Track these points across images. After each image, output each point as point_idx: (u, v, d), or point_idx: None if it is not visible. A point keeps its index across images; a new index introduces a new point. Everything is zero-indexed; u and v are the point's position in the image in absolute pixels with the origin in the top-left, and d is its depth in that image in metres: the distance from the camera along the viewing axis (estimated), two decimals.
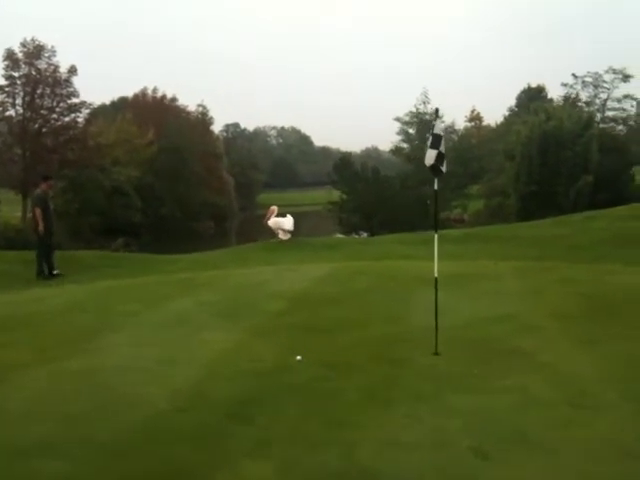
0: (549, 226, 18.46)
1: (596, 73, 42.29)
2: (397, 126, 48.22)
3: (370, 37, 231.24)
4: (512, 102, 72.58)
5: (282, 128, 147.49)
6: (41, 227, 13.07)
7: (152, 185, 47.09)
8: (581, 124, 30.19)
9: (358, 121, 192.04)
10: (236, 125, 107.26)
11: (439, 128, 6.19)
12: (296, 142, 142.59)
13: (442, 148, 6.16)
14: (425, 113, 39.91)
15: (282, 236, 17.39)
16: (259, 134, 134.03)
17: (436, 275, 6.84)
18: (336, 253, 16.33)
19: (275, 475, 3.92)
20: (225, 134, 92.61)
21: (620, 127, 40.50)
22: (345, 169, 36.53)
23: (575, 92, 42.17)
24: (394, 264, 13.25)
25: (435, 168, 6.21)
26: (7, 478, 3.92)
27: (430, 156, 6.13)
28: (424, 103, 40.35)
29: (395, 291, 10.14)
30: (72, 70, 38.41)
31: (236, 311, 8.81)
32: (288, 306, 9.12)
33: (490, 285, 10.52)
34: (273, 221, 17.30)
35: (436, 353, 6.40)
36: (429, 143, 6.21)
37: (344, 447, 4.24)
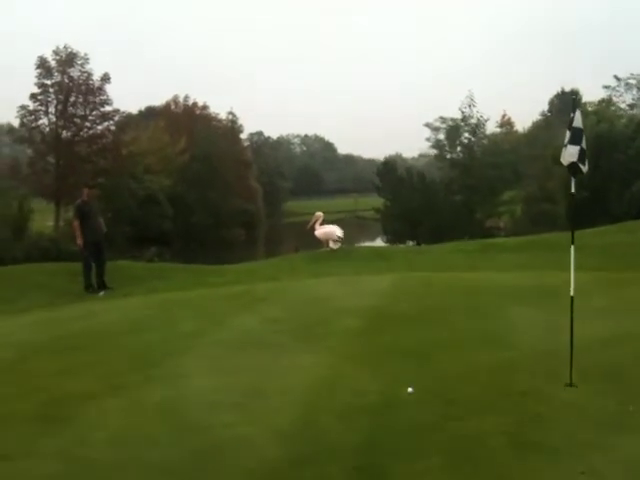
0: (614, 233, 17.39)
1: None
2: (425, 132, 47.08)
3: (394, 43, 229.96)
4: (542, 107, 71.17)
5: (306, 136, 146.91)
6: (79, 240, 12.29)
7: (183, 193, 46.55)
8: (632, 126, 29.03)
9: (380, 129, 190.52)
10: (260, 133, 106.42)
11: (579, 121, 5.28)
12: (320, 150, 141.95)
13: (584, 144, 5.25)
14: (471, 116, 38.89)
15: (332, 245, 16.51)
16: (282, 142, 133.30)
17: (572, 294, 5.87)
18: (390, 263, 15.42)
19: None
20: (249, 142, 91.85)
21: None
22: (389, 174, 35.43)
23: (619, 94, 40.91)
24: (463, 276, 12.28)
25: (574, 167, 5.30)
26: None
27: (571, 153, 5.22)
28: (469, 106, 39.23)
29: (479, 307, 9.17)
30: (105, 78, 38.00)
31: (311, 330, 7.95)
32: (366, 325, 8.25)
33: (582, 300, 9.54)
34: (323, 232, 16.40)
35: (570, 384, 5.46)
36: (567, 139, 5.30)
37: None
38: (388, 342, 7.23)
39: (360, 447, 4.35)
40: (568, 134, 5.30)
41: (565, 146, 5.34)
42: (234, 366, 6.51)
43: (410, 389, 5.46)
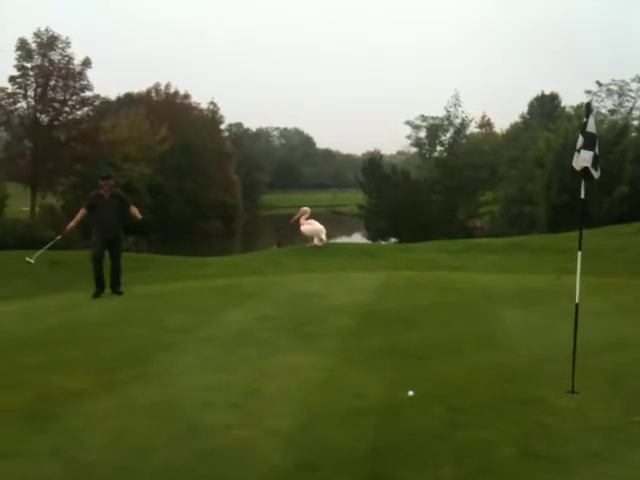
0: (598, 237, 17.44)
1: (622, 81, 41.55)
2: (404, 129, 47.08)
3: (376, 42, 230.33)
4: (518, 110, 71.53)
5: (285, 129, 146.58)
6: (70, 225, 11.13)
7: (162, 183, 45.95)
8: (615, 132, 29.31)
9: (358, 125, 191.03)
10: (239, 125, 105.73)
11: (592, 126, 5.18)
12: (299, 143, 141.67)
13: (597, 149, 5.17)
14: (456, 116, 38.89)
15: (317, 242, 16.37)
16: (262, 134, 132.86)
17: (577, 301, 5.79)
18: (376, 260, 15.35)
19: None
20: (229, 133, 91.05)
21: None
22: (374, 171, 35.28)
23: (600, 99, 41.31)
24: (451, 276, 12.25)
25: (586, 172, 5.21)
26: None
27: (584, 158, 5.12)
28: (455, 106, 39.16)
29: (469, 308, 9.12)
30: (86, 62, 37.25)
31: (304, 328, 7.82)
32: (360, 324, 8.14)
33: (572, 304, 9.54)
34: (310, 229, 16.25)
35: (573, 392, 5.39)
36: (580, 143, 5.21)
37: None
38: (384, 343, 7.11)
39: (368, 455, 4.20)
40: (581, 139, 5.21)
41: (578, 151, 5.25)
42: (226, 364, 6.33)
43: (411, 392, 5.34)
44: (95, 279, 10.72)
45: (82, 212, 10.93)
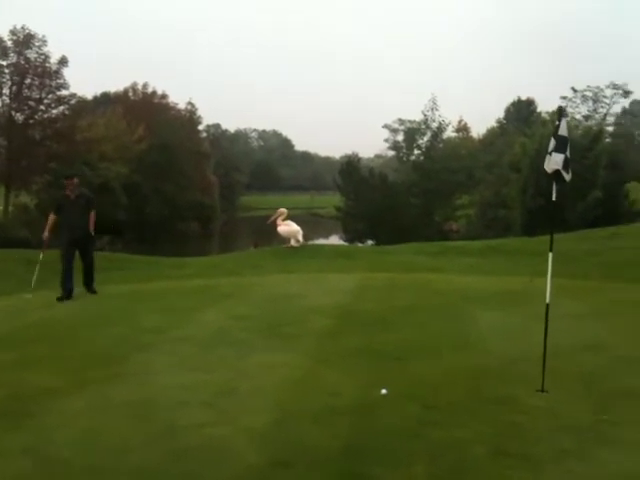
0: (572, 241, 17.67)
1: (597, 87, 42.20)
2: (383, 133, 47.51)
3: (355, 46, 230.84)
4: (496, 115, 72.03)
5: (263, 131, 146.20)
6: (45, 236, 11.05)
7: (139, 183, 45.66)
8: (589, 137, 29.79)
9: (336, 128, 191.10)
10: (217, 126, 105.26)
11: (564, 129, 5.28)
12: (277, 145, 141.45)
13: (568, 152, 5.27)
14: (433, 120, 39.14)
15: (294, 243, 16.38)
16: (240, 136, 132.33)
17: (548, 301, 5.86)
18: (354, 262, 15.38)
19: None
20: (206, 134, 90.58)
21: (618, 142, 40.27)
22: (352, 174, 35.43)
23: (575, 105, 41.96)
24: (426, 277, 12.32)
25: (558, 175, 5.30)
26: None
27: (555, 161, 5.21)
28: (432, 110, 39.39)
29: (446, 310, 9.21)
30: (63, 61, 36.86)
31: (280, 329, 7.84)
32: (337, 324, 8.18)
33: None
34: (287, 230, 16.25)
35: (542, 390, 5.48)
36: (552, 146, 5.30)
37: None
38: (361, 343, 7.15)
39: (342, 452, 4.24)
40: (553, 142, 5.30)
41: (549, 154, 5.34)
42: (203, 364, 6.34)
43: (384, 391, 5.39)
44: (62, 282, 10.40)
45: (52, 217, 10.75)
